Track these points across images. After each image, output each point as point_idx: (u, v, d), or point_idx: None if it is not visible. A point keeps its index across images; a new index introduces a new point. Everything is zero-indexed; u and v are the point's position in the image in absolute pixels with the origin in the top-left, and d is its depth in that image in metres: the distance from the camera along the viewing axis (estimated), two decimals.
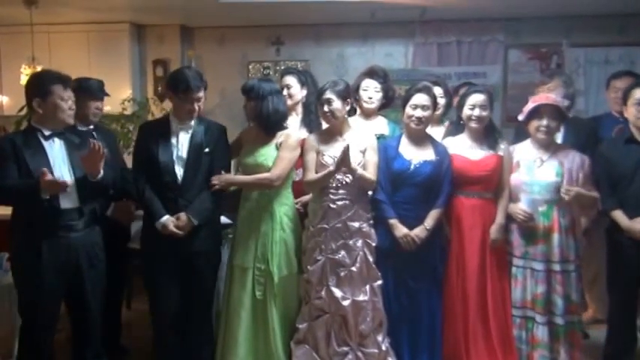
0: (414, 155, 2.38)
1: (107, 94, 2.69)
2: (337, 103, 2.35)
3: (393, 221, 2.35)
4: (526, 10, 4.26)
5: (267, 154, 2.36)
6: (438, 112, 2.69)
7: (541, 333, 2.34)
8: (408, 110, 2.37)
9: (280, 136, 2.38)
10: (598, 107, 3.97)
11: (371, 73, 2.65)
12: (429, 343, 2.40)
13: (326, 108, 2.35)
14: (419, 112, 2.36)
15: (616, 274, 2.38)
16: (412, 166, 2.35)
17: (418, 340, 2.40)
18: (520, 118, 2.45)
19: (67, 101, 2.15)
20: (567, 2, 4.01)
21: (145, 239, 2.39)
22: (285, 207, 2.41)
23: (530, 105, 2.39)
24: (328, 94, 2.35)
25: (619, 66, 4.35)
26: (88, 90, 2.58)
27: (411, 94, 2.37)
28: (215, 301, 2.52)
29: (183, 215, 2.23)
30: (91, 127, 2.63)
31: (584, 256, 2.52)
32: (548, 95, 2.48)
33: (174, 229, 2.22)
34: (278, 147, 2.35)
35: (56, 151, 2.15)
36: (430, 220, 2.35)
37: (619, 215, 2.30)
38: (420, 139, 2.42)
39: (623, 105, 2.44)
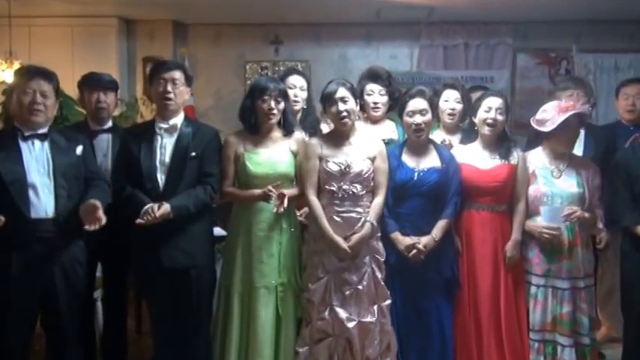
0: (418, 163, 2.28)
1: (110, 87, 2.50)
2: (352, 102, 2.25)
3: (394, 235, 2.23)
4: (535, 13, 4.29)
5: (287, 161, 2.28)
6: (454, 120, 2.54)
7: (568, 356, 2.22)
8: (406, 118, 2.28)
9: (293, 142, 2.31)
10: (608, 115, 3.96)
11: (374, 76, 2.54)
12: None
13: (341, 107, 2.21)
14: (418, 118, 2.24)
15: (631, 291, 2.25)
16: (416, 175, 2.24)
17: None
18: (548, 128, 2.29)
19: (28, 94, 1.97)
20: (577, 7, 4.04)
21: (134, 253, 2.26)
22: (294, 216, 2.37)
23: (558, 116, 2.24)
24: (343, 92, 2.22)
25: (629, 73, 4.45)
26: (84, 82, 2.50)
27: (406, 100, 2.29)
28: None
29: (166, 204, 2.09)
30: (107, 126, 2.50)
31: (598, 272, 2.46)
32: (574, 104, 2.37)
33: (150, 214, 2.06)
34: (294, 153, 2.29)
35: (35, 154, 2.00)
36: (437, 232, 2.22)
37: None
38: (423, 145, 2.31)
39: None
